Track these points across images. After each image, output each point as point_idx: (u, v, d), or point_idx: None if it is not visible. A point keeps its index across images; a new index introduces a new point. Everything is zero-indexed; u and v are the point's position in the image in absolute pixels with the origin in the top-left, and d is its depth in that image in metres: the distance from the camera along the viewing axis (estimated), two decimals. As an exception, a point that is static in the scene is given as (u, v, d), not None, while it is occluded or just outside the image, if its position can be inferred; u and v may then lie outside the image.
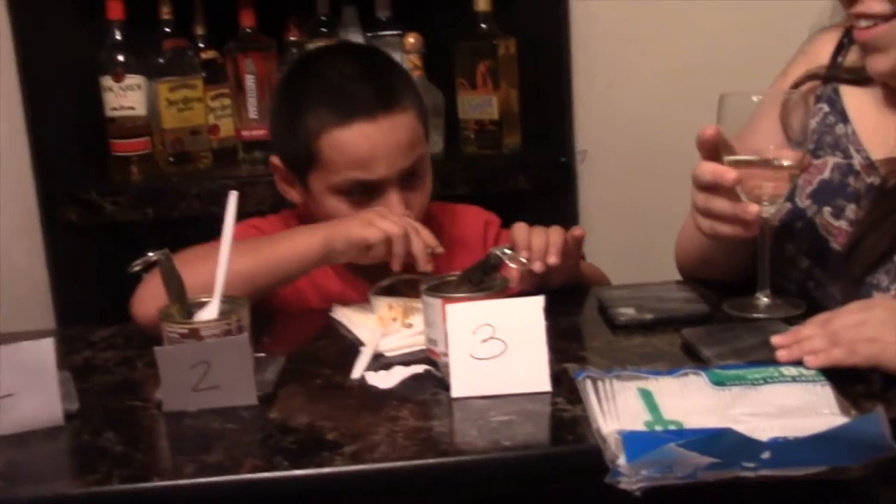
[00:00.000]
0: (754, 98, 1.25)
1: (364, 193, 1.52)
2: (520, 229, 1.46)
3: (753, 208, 1.25)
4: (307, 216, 1.61)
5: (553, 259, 1.42)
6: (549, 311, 1.19)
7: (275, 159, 1.61)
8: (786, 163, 1.25)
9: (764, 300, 1.31)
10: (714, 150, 1.26)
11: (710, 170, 1.25)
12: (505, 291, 1.26)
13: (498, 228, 1.70)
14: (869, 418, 0.98)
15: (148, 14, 2.06)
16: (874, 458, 0.98)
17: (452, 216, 1.70)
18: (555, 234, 1.45)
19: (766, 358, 1.17)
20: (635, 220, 2.16)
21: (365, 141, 1.50)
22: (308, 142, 1.52)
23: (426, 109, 1.65)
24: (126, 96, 2.03)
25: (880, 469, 0.98)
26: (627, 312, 1.35)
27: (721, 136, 1.25)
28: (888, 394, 1.10)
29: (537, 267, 1.41)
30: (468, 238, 1.66)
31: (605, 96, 2.13)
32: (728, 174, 1.24)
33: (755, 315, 1.30)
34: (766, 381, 1.10)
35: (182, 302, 1.22)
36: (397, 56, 2.04)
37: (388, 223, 1.40)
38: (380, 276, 1.47)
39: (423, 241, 1.40)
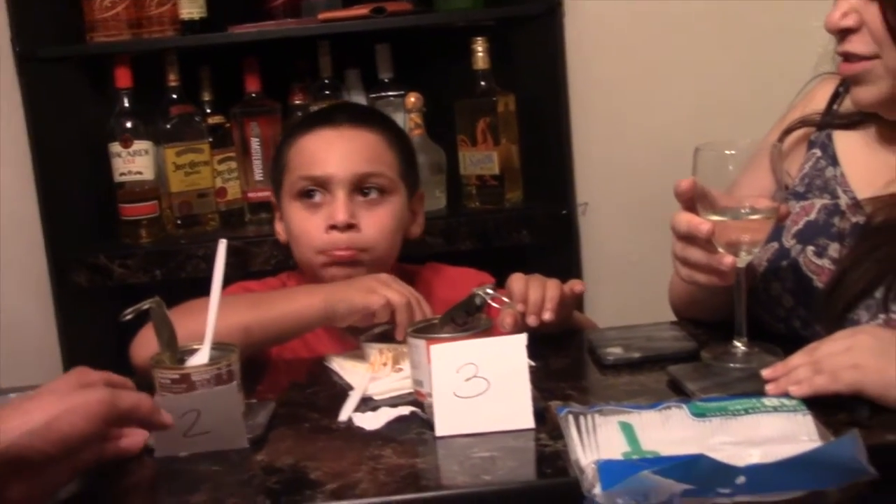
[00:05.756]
0: (727, 151, 1.25)
1: (315, 195, 1.56)
2: (517, 280, 1.45)
3: (728, 259, 1.25)
4: (308, 278, 1.63)
5: (548, 315, 1.40)
6: (539, 353, 1.20)
7: (271, 196, 1.69)
8: (761, 214, 1.25)
9: (741, 348, 1.30)
10: (691, 201, 1.26)
11: (685, 221, 1.26)
12: (489, 331, 1.27)
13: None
14: (843, 441, 0.98)
15: (155, 81, 2.12)
16: (851, 481, 0.97)
17: (446, 279, 1.70)
18: (552, 289, 1.43)
19: (751, 390, 1.17)
20: (636, 272, 2.16)
21: (320, 141, 1.58)
22: (280, 156, 1.61)
23: (410, 158, 1.68)
24: (134, 161, 2.08)
25: (858, 493, 0.98)
26: (615, 352, 1.36)
27: (699, 188, 1.25)
28: (873, 422, 1.09)
29: (531, 321, 1.40)
30: None
31: (604, 150, 2.15)
32: (702, 226, 1.24)
33: (731, 364, 1.28)
34: (746, 411, 1.10)
35: (173, 349, 1.24)
36: (399, 115, 2.08)
37: (391, 291, 1.40)
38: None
39: (424, 312, 1.40)
